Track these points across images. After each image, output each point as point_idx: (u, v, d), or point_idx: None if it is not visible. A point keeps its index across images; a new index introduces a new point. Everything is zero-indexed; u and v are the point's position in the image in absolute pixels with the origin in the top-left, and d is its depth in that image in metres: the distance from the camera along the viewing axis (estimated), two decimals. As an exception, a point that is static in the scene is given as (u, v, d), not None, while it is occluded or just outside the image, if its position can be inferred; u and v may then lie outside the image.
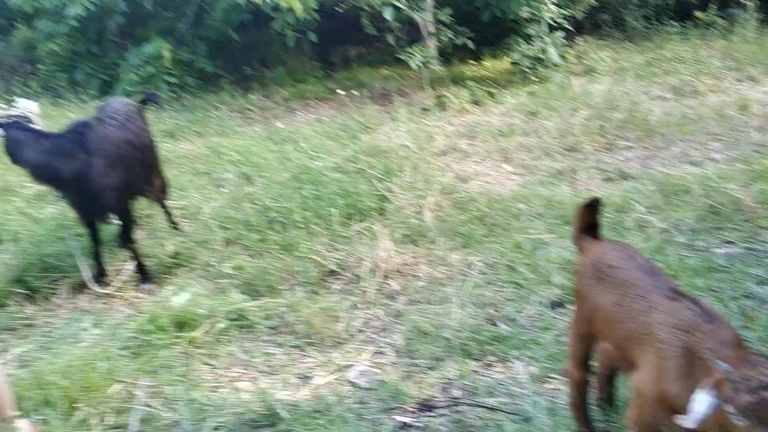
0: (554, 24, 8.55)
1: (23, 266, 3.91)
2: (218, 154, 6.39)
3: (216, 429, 2.41)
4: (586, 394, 2.21)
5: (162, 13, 10.65)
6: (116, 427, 2.52)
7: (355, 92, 8.47)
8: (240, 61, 11.55)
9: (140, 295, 3.83)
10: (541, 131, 6.24)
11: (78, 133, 3.67)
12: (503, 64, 9.44)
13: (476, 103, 7.61)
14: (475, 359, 2.89)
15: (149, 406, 2.62)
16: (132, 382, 2.75)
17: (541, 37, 8.41)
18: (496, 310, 3.30)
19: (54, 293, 3.80)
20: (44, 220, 4.73)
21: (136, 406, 2.58)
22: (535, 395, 2.50)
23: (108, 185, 3.69)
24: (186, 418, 2.51)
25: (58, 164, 3.52)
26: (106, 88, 9.96)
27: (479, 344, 2.96)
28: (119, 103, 4.29)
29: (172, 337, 3.09)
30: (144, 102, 4.79)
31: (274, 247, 4.19)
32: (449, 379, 2.74)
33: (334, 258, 3.98)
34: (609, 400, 2.38)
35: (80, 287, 3.88)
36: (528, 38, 8.53)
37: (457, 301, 3.33)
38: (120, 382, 2.72)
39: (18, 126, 3.49)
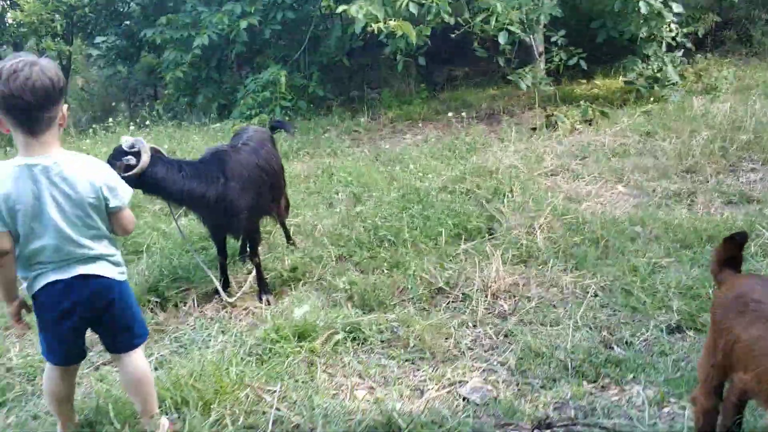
0: (673, 43, 8.29)
1: (156, 276, 4.24)
2: (329, 175, 6.63)
3: (338, 434, 2.52)
4: (715, 422, 2.17)
5: (279, 42, 11.24)
6: (248, 428, 2.69)
7: (462, 113, 8.54)
8: (348, 84, 11.96)
9: (260, 305, 4.06)
10: (658, 152, 6.06)
11: (219, 159, 3.96)
12: (616, 83, 9.24)
13: (588, 122, 7.49)
14: (590, 381, 2.85)
15: (278, 409, 2.78)
16: (260, 387, 2.92)
17: (659, 56, 8.16)
18: (611, 333, 3.24)
19: (183, 302, 4.10)
20: (172, 234, 5.10)
21: (268, 410, 2.74)
22: (653, 419, 2.44)
23: (242, 206, 3.96)
24: (311, 423, 2.64)
25: (202, 189, 3.77)
26: (224, 112, 10.60)
27: (594, 366, 2.93)
28: (253, 130, 4.58)
29: (294, 346, 3.26)
30: (273, 129, 5.10)
31: (384, 264, 4.30)
32: (564, 399, 2.72)
33: (443, 276, 4.04)
34: (736, 428, 2.30)
35: (206, 297, 4.17)
36: (645, 57, 8.33)
37: (571, 323, 3.31)
38: (249, 386, 2.90)
39: (158, 157, 3.66)
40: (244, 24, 9.58)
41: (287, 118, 9.62)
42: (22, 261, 2.35)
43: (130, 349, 2.58)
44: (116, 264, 2.49)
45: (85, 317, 2.45)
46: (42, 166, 2.21)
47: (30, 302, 2.46)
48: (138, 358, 2.60)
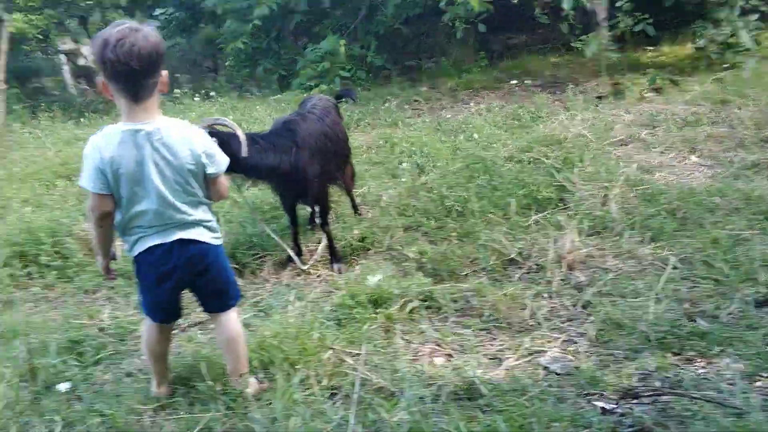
0: (747, 6, 7.91)
1: (233, 244, 4.36)
2: (391, 145, 6.63)
3: (420, 398, 2.57)
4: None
5: (337, 11, 11.21)
6: (333, 388, 2.77)
7: (525, 81, 8.39)
8: (405, 53, 11.87)
9: (332, 273, 4.14)
10: (734, 121, 5.85)
11: (289, 130, 4.02)
12: (685, 49, 8.92)
13: (656, 90, 7.26)
14: (675, 353, 2.82)
15: (362, 372, 2.85)
16: (342, 350, 3.00)
17: (732, 21, 7.81)
18: (694, 306, 3.18)
19: (260, 268, 4.22)
20: (244, 204, 5.22)
21: (351, 372, 2.82)
22: (747, 392, 2.40)
23: (312, 174, 4.02)
24: (395, 386, 2.71)
25: (276, 161, 3.84)
26: (284, 83, 10.68)
27: (678, 339, 2.88)
28: (317, 98, 4.62)
29: (371, 312, 3.32)
30: (339, 98, 5.13)
31: (453, 235, 4.31)
32: (648, 370, 2.70)
33: (515, 247, 4.03)
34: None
35: (281, 264, 4.28)
36: (716, 22, 7.98)
37: (651, 295, 3.27)
38: (331, 348, 2.98)
39: (233, 135, 3.67)
40: (303, -7, 9.60)
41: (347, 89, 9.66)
42: (122, 224, 2.46)
43: (225, 309, 2.69)
44: (212, 230, 2.58)
45: (183, 279, 2.56)
46: (145, 132, 2.29)
47: (119, 259, 2.63)
48: (232, 319, 2.72)
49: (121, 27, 2.19)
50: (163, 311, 2.66)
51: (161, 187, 2.36)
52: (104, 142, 2.30)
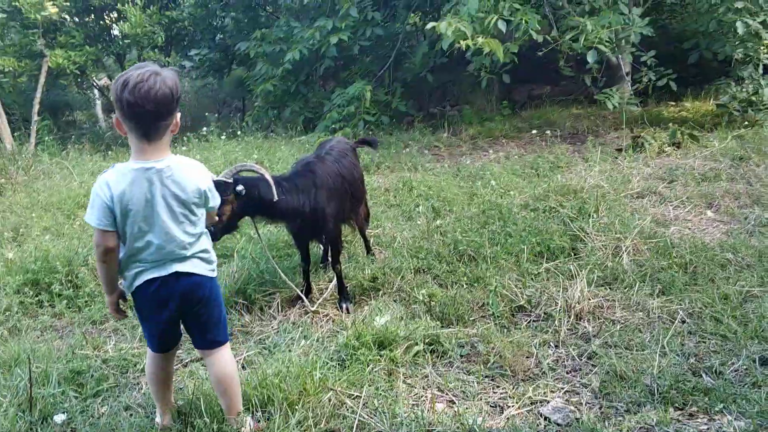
0: (771, 65, 7.98)
1: (244, 279, 4.41)
2: (409, 188, 6.70)
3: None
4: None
5: (365, 58, 11.48)
6: (330, 431, 2.76)
7: (545, 131, 8.45)
8: (428, 100, 12.07)
9: (340, 312, 4.15)
10: (751, 177, 5.82)
11: (309, 171, 4.11)
12: (707, 105, 8.94)
13: (676, 145, 7.26)
14: (677, 408, 2.77)
15: (360, 415, 2.84)
16: (342, 391, 3.00)
17: (755, 79, 7.85)
18: (699, 361, 3.13)
19: (268, 305, 4.25)
20: (258, 241, 5.28)
21: (350, 415, 2.81)
22: (749, 452, 2.35)
23: (329, 213, 4.10)
24: (391, 431, 2.69)
25: (299, 202, 3.91)
26: (309, 125, 10.89)
27: (681, 393, 2.84)
28: (335, 141, 4.73)
29: (374, 354, 3.32)
30: (361, 143, 5.22)
31: (464, 279, 4.32)
32: (649, 425, 2.65)
33: (524, 294, 4.01)
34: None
35: (290, 301, 4.30)
36: (739, 80, 8.03)
37: (657, 348, 3.22)
38: (332, 390, 2.98)
39: (260, 180, 3.77)
40: (334, 40, 9.84)
41: (370, 133, 9.81)
42: (124, 260, 2.55)
43: (216, 346, 2.73)
44: (208, 261, 2.67)
45: (178, 311, 2.63)
46: (156, 169, 2.40)
47: (129, 296, 2.66)
48: (224, 356, 2.74)
49: (142, 70, 2.30)
50: (161, 341, 2.72)
51: (168, 222, 2.46)
52: (115, 180, 2.39)
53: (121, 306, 2.70)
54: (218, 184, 3.46)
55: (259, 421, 2.85)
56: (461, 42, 7.32)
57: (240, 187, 3.57)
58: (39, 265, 4.71)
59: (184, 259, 2.56)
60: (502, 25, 7.47)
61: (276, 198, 3.71)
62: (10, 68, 10.89)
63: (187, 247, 2.55)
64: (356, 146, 5.03)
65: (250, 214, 3.83)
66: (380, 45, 11.52)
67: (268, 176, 3.73)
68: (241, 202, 3.63)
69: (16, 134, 10.67)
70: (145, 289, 2.56)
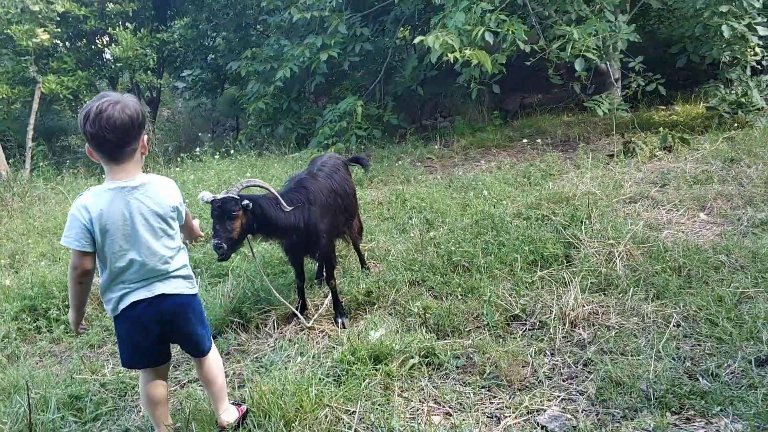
0: (759, 67, 8.03)
1: (239, 298, 4.41)
2: (402, 201, 6.72)
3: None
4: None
5: (355, 73, 11.55)
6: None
7: (537, 140, 8.49)
8: (420, 113, 12.12)
9: (335, 328, 4.15)
10: (743, 179, 5.84)
11: (302, 187, 4.12)
12: (696, 108, 8.99)
13: (667, 149, 7.30)
14: (674, 412, 2.77)
15: (356, 431, 2.83)
16: (338, 407, 2.99)
17: (743, 81, 7.91)
18: (695, 364, 3.13)
19: (264, 323, 4.24)
20: (252, 259, 5.28)
21: (346, 431, 2.80)
22: (745, 455, 2.35)
23: (322, 229, 4.11)
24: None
25: (295, 218, 3.92)
26: (302, 142, 10.93)
27: (678, 397, 2.84)
28: (326, 156, 4.75)
29: (370, 369, 3.32)
30: (352, 161, 5.23)
31: (458, 290, 4.32)
32: (646, 430, 2.65)
33: (519, 303, 4.02)
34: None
35: (285, 318, 4.30)
36: (728, 82, 8.09)
37: (653, 353, 3.23)
38: (328, 406, 2.97)
39: (261, 197, 3.83)
40: (324, 56, 9.91)
41: (362, 147, 9.85)
42: (107, 282, 2.58)
43: (207, 352, 2.89)
44: (187, 278, 2.75)
45: (164, 331, 2.71)
46: (130, 187, 2.50)
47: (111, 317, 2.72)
48: (211, 358, 2.92)
49: (101, 100, 2.41)
50: (150, 357, 2.77)
51: (146, 236, 2.54)
52: (92, 201, 2.46)
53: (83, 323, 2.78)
54: (227, 200, 3.50)
55: (240, 404, 3.05)
56: (449, 55, 7.37)
57: (246, 202, 3.60)
58: (36, 291, 4.72)
59: (167, 277, 2.64)
60: (489, 37, 7.53)
61: (288, 209, 3.77)
62: (4, 95, 10.93)
63: (169, 261, 2.62)
64: (348, 163, 5.05)
65: (251, 231, 3.83)
66: (370, 60, 11.60)
67: (273, 191, 3.78)
68: (247, 218, 3.65)
69: (11, 161, 10.69)
70: (130, 311, 2.60)
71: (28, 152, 10.72)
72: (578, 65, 7.69)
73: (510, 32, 7.61)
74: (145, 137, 2.54)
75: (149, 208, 2.54)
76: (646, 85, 8.53)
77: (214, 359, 2.93)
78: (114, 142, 2.40)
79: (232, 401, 3.10)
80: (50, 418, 3.17)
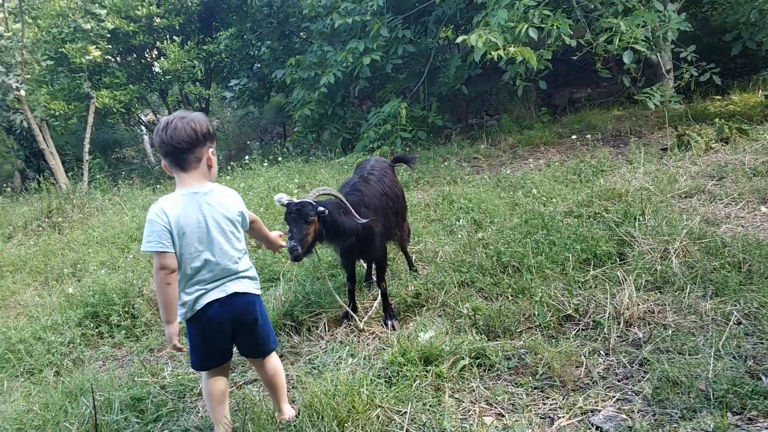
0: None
1: (291, 302, 4.46)
2: (449, 202, 6.68)
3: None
4: None
5: (399, 75, 11.55)
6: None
7: (587, 135, 8.32)
8: (466, 112, 12.03)
9: (385, 330, 4.16)
10: (806, 169, 5.60)
11: (357, 190, 4.18)
12: (755, 97, 8.65)
13: (724, 140, 7.05)
14: (735, 413, 2.67)
15: (408, 431, 2.84)
16: (390, 408, 3.00)
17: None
18: (757, 363, 3.01)
19: (315, 325, 4.29)
20: (304, 262, 5.33)
21: (398, 431, 2.81)
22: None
23: (377, 232, 4.14)
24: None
25: (356, 221, 3.95)
26: (348, 146, 11.00)
27: (739, 397, 2.74)
28: (374, 160, 4.77)
29: (420, 370, 3.32)
30: (397, 161, 5.25)
31: (508, 291, 4.27)
32: (705, 430, 2.57)
33: (572, 303, 3.95)
34: None
35: (336, 321, 4.33)
36: (787, 68, 7.78)
37: (712, 352, 3.12)
38: (379, 407, 2.98)
39: (332, 204, 3.87)
40: (367, 60, 9.94)
41: (407, 149, 9.84)
42: (182, 284, 2.73)
43: (269, 353, 3.03)
44: (253, 279, 2.92)
45: (236, 330, 2.87)
46: (202, 193, 2.70)
47: (182, 322, 2.82)
48: (272, 359, 3.06)
49: (171, 116, 2.68)
50: (221, 357, 2.93)
51: (219, 238, 2.72)
52: (169, 206, 2.66)
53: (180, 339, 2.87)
54: (305, 205, 3.59)
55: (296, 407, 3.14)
56: (493, 53, 7.30)
57: (322, 209, 3.67)
58: (97, 299, 4.89)
59: (237, 276, 2.82)
60: (533, 33, 7.42)
61: (362, 221, 3.86)
62: (61, 111, 11.38)
63: (237, 261, 2.80)
64: (393, 164, 5.06)
65: (321, 238, 3.86)
66: (413, 61, 11.59)
67: (344, 199, 3.86)
68: (321, 224, 3.72)
69: (70, 174, 11.13)
70: (206, 310, 2.75)
71: (85, 165, 11.13)
72: (626, 58, 7.49)
73: (554, 27, 7.48)
74: (210, 150, 2.74)
75: (219, 211, 2.73)
76: (699, 75, 8.25)
77: (276, 360, 3.08)
78: (178, 150, 2.63)
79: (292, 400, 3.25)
80: (114, 419, 3.29)
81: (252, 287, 2.90)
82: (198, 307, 2.74)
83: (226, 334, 2.85)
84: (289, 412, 3.12)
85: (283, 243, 3.28)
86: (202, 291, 2.74)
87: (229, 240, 2.77)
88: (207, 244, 2.71)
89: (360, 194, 4.14)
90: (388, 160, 5.01)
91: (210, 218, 2.71)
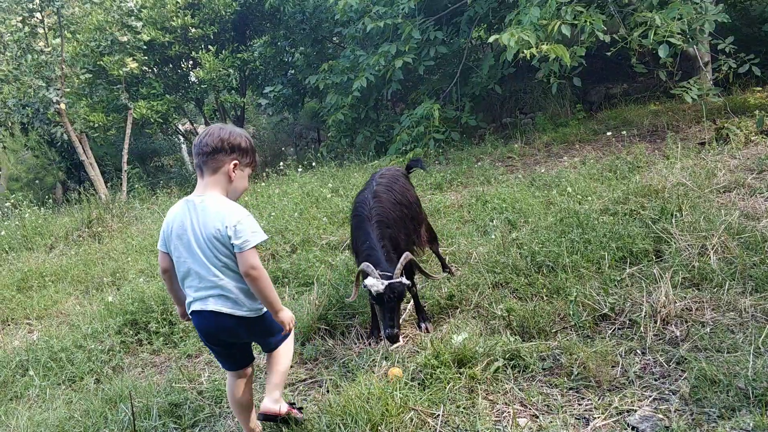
0: None
1: (326, 306, 4.50)
2: (483, 203, 6.64)
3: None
4: None
5: (431, 77, 11.53)
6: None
7: (622, 131, 8.19)
8: (500, 112, 11.95)
9: (419, 332, 4.16)
10: None
11: (378, 215, 4.15)
12: (797, 88, 8.38)
13: (764, 133, 6.86)
14: (776, 412, 2.61)
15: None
16: (424, 411, 3.01)
17: None
18: (800, 361, 2.94)
19: (348, 329, 4.32)
20: (338, 266, 5.39)
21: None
22: None
23: (402, 240, 4.19)
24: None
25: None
26: (381, 149, 11.03)
27: (780, 396, 2.67)
28: (383, 170, 4.75)
29: (454, 372, 3.31)
30: (409, 168, 5.26)
31: (543, 291, 4.24)
32: (745, 430, 2.51)
33: (607, 302, 3.89)
34: None
35: (369, 323, 4.35)
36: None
37: (752, 349, 3.04)
38: (413, 409, 3.00)
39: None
40: (399, 63, 9.96)
41: (440, 151, 9.82)
42: (181, 283, 2.81)
43: (273, 350, 3.01)
44: (238, 303, 2.75)
45: (227, 342, 2.88)
46: (193, 202, 2.71)
47: None
48: (280, 349, 3.01)
49: (213, 126, 2.79)
50: (228, 360, 2.96)
51: (198, 250, 2.68)
52: (172, 209, 2.79)
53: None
54: (399, 288, 3.64)
55: (293, 405, 3.14)
56: (525, 51, 7.25)
57: (408, 282, 3.76)
58: (136, 306, 5.01)
59: (219, 295, 2.71)
60: (566, 30, 7.35)
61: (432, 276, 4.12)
62: (100, 123, 11.70)
63: (222, 278, 2.70)
64: (408, 171, 5.09)
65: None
66: (445, 62, 11.56)
67: (424, 270, 4.01)
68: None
69: (109, 184, 11.43)
70: (194, 318, 2.81)
71: (124, 175, 11.41)
72: (662, 52, 7.35)
73: (588, 23, 7.39)
74: (234, 163, 2.73)
75: (203, 223, 2.66)
76: (738, 67, 8.04)
77: (277, 353, 2.98)
78: (202, 153, 2.70)
79: (291, 403, 3.24)
80: (152, 425, 3.37)
81: (235, 309, 2.73)
82: (189, 310, 2.81)
83: (221, 345, 2.86)
84: (269, 405, 2.91)
85: (288, 328, 2.90)
86: (191, 298, 2.75)
87: (210, 254, 2.65)
88: (189, 253, 2.68)
89: (383, 219, 4.10)
90: (400, 168, 4.99)
91: (195, 228, 2.66)
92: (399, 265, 3.72)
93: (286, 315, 2.84)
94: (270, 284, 2.72)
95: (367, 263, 3.70)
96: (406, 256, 3.80)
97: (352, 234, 4.27)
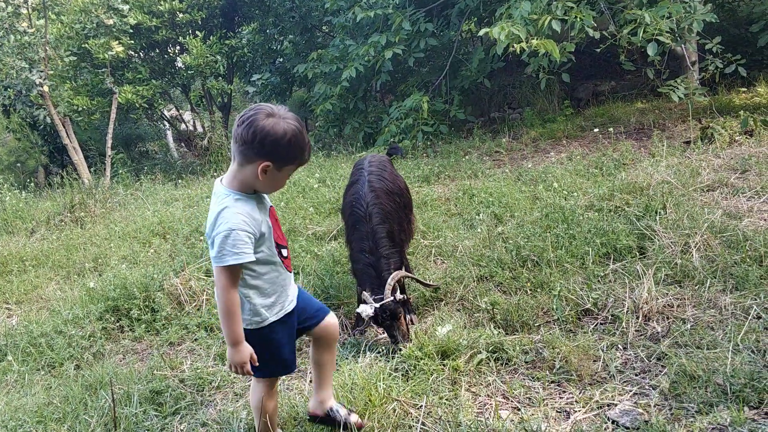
0: None
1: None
2: (470, 196, 6.66)
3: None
4: None
5: (421, 69, 11.51)
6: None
7: (609, 128, 8.24)
8: (488, 106, 11.97)
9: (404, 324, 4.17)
10: (832, 162, 5.49)
11: (376, 205, 4.16)
12: (781, 89, 8.47)
13: (748, 133, 6.94)
14: (752, 407, 2.65)
15: (423, 424, 2.86)
16: (406, 402, 3.02)
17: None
18: (777, 358, 2.99)
19: (334, 319, 4.31)
20: (324, 256, 5.38)
21: (414, 425, 2.84)
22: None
23: (398, 234, 4.21)
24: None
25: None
26: (369, 140, 11.00)
27: (757, 392, 2.71)
28: (370, 157, 4.69)
29: (437, 364, 3.33)
30: (389, 154, 5.29)
31: (527, 285, 4.27)
32: (722, 425, 2.55)
33: (590, 297, 3.93)
34: None
35: (352, 315, 4.36)
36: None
37: (730, 346, 3.09)
38: (396, 400, 3.01)
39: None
40: (389, 54, 9.92)
41: (429, 143, 9.82)
42: None
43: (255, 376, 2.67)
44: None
45: None
46: (215, 185, 2.47)
47: None
48: (253, 383, 2.80)
49: (271, 107, 2.33)
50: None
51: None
52: None
53: None
54: (390, 308, 3.64)
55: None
56: (515, 45, 7.26)
57: (400, 296, 3.75)
58: (118, 293, 4.96)
59: None
60: (556, 25, 7.37)
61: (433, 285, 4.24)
62: (84, 107, 11.54)
63: None
64: (390, 156, 5.16)
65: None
66: (435, 55, 11.55)
67: (420, 279, 4.14)
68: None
69: (92, 169, 11.30)
70: None
71: (108, 160, 11.29)
72: (651, 50, 7.39)
73: (578, 19, 7.41)
74: (261, 165, 2.29)
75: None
76: (725, 67, 8.11)
77: (251, 384, 2.82)
78: (234, 137, 2.32)
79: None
80: (133, 412, 3.35)
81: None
82: None
83: None
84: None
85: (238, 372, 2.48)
86: None
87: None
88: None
89: (381, 216, 4.07)
90: (384, 155, 4.93)
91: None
92: (387, 286, 3.71)
93: (235, 356, 2.40)
94: (227, 311, 2.34)
95: (365, 292, 3.75)
96: (394, 276, 3.77)
97: (347, 232, 4.24)
